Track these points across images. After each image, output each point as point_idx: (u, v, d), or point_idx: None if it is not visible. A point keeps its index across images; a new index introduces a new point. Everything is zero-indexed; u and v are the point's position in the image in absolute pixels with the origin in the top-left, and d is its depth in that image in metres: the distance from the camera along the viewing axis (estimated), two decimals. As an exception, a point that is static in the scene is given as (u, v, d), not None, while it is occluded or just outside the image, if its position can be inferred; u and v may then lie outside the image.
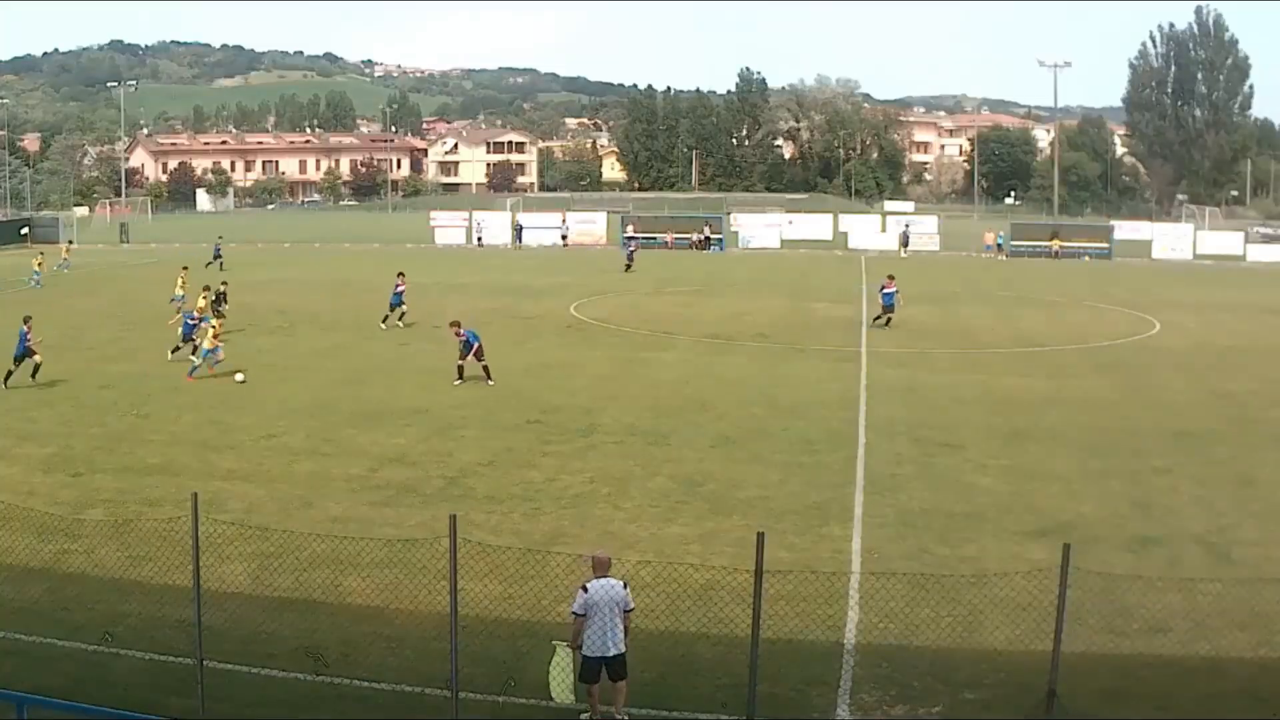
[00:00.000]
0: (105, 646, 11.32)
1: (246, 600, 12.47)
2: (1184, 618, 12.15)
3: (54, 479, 17.59)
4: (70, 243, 61.50)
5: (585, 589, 9.88)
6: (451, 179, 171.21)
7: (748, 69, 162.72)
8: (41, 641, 11.52)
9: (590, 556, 10.48)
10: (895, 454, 19.50)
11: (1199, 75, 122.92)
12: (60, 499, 16.41)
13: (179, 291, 35.86)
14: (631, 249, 58.98)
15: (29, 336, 24.81)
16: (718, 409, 23.05)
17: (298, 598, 12.50)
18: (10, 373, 24.66)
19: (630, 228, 74.10)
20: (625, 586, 9.99)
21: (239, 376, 25.46)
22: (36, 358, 24.85)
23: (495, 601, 12.02)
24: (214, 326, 26.57)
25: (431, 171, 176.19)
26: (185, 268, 38.99)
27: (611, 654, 9.84)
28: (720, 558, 13.50)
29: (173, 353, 27.88)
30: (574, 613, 9.97)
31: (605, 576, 9.97)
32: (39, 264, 47.71)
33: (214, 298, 32.56)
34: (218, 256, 54.92)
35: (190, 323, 28.40)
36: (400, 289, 34.54)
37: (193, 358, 26.22)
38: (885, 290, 34.82)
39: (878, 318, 34.89)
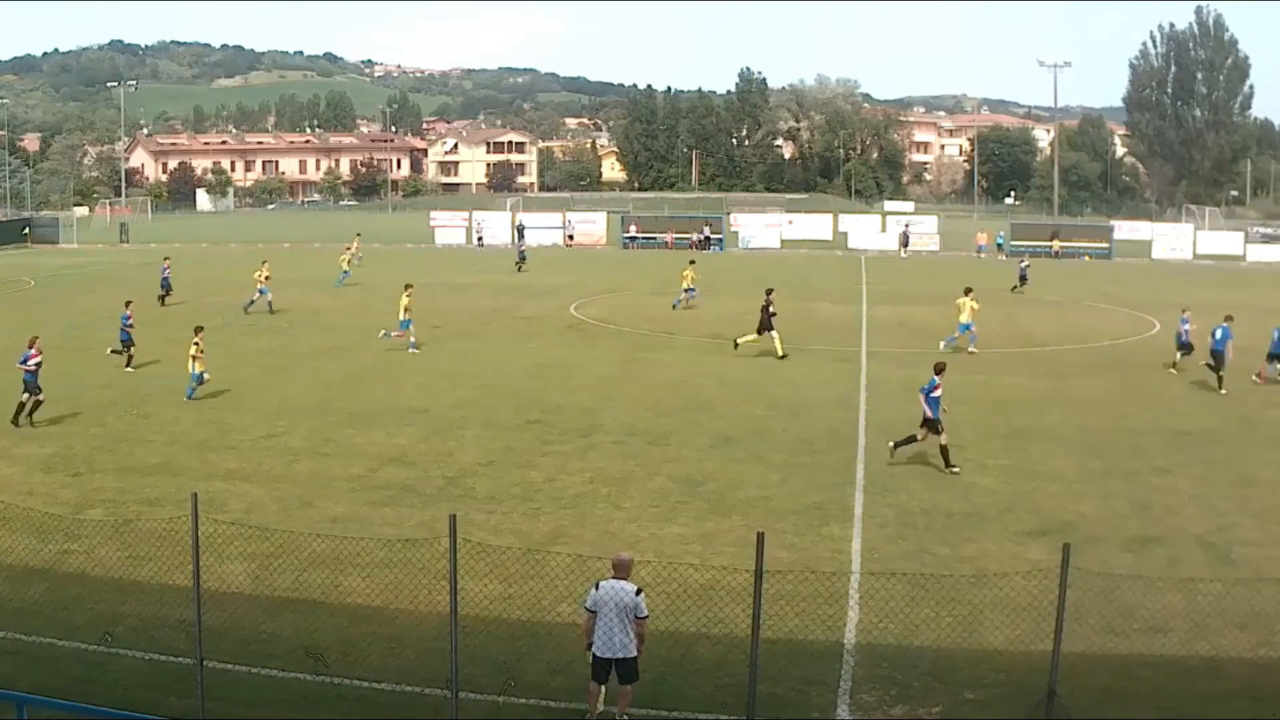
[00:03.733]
0: (105, 646, 11.31)
1: (246, 600, 12.47)
2: (1184, 618, 12.15)
3: (54, 479, 17.59)
4: (359, 235, 56.99)
5: (597, 586, 9.87)
6: (451, 179, 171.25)
7: (748, 69, 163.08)
8: (41, 641, 11.52)
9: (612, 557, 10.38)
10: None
11: (1199, 75, 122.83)
12: (60, 499, 16.43)
13: (687, 285, 38.71)
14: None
15: None
16: (718, 409, 23.05)
17: (298, 598, 12.49)
18: None
19: (633, 227, 74.18)
20: (639, 593, 9.83)
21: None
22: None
23: (495, 601, 12.03)
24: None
25: (431, 171, 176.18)
26: (693, 261, 41.28)
27: (618, 656, 9.78)
28: (720, 558, 13.51)
29: None
30: (584, 607, 9.98)
31: (623, 579, 9.90)
32: (347, 262, 47.08)
33: (765, 305, 29.15)
34: (522, 257, 53.92)
35: None
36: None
37: None
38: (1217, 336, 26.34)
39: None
